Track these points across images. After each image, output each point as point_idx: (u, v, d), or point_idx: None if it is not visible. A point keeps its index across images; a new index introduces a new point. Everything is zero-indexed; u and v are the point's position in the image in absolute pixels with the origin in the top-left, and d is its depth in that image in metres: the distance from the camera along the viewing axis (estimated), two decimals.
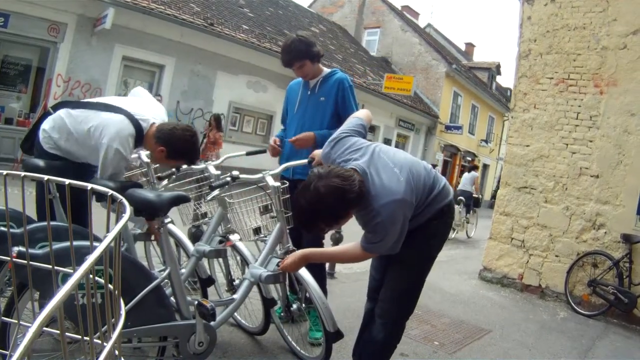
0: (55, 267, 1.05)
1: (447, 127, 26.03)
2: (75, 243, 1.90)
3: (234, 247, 3.18)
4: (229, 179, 3.03)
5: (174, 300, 2.60)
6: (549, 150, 6.81)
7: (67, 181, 1.03)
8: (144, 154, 3.71)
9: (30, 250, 1.67)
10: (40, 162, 2.80)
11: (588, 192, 6.41)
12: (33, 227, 2.39)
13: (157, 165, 3.48)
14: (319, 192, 2.07)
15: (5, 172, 1.07)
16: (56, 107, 3.07)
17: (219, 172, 3.47)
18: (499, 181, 30.01)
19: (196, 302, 2.42)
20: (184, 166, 3.68)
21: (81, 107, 2.99)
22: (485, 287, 6.81)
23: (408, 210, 2.25)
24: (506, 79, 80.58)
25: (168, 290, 2.71)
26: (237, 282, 3.47)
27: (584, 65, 6.59)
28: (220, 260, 3.46)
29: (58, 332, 0.82)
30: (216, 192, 3.12)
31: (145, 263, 3.84)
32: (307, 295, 3.02)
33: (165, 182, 3.67)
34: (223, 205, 3.22)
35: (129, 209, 0.98)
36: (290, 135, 3.69)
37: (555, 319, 5.70)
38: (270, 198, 3.03)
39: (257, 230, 3.15)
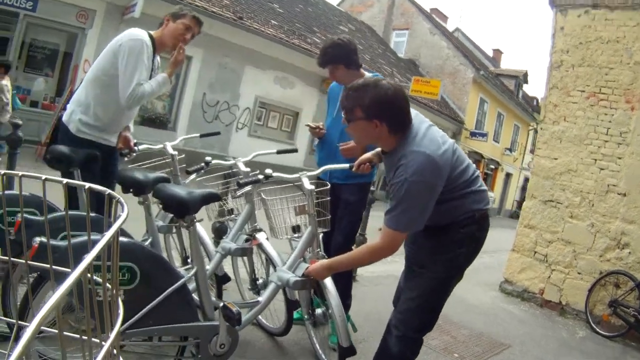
0: (54, 267, 1.07)
1: (472, 134, 25.68)
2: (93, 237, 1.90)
3: (260, 246, 3.16)
4: (261, 176, 2.99)
5: (198, 300, 2.58)
6: (577, 165, 6.69)
7: (64, 180, 1.05)
8: (170, 146, 3.74)
9: (53, 242, 1.67)
10: (65, 149, 2.86)
11: (614, 210, 6.29)
12: (55, 215, 2.41)
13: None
14: (366, 80, 2.32)
15: (3, 171, 1.10)
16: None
17: (248, 169, 3.43)
18: (522, 190, 29.77)
19: (222, 305, 2.38)
20: (214, 161, 3.67)
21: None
22: (505, 300, 6.73)
23: (436, 178, 2.17)
24: (533, 88, 79.76)
25: (191, 286, 2.67)
26: (260, 281, 3.45)
27: (615, 80, 6.46)
28: (245, 258, 3.44)
29: (56, 331, 0.83)
30: (247, 188, 3.08)
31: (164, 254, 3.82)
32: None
33: (193, 176, 3.67)
34: (251, 201, 3.20)
35: (126, 208, 0.99)
36: (333, 138, 3.59)
37: (575, 337, 5.61)
38: (306, 200, 2.99)
39: (295, 229, 3.10)
